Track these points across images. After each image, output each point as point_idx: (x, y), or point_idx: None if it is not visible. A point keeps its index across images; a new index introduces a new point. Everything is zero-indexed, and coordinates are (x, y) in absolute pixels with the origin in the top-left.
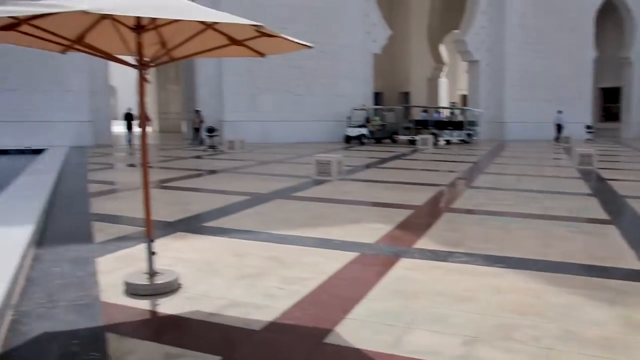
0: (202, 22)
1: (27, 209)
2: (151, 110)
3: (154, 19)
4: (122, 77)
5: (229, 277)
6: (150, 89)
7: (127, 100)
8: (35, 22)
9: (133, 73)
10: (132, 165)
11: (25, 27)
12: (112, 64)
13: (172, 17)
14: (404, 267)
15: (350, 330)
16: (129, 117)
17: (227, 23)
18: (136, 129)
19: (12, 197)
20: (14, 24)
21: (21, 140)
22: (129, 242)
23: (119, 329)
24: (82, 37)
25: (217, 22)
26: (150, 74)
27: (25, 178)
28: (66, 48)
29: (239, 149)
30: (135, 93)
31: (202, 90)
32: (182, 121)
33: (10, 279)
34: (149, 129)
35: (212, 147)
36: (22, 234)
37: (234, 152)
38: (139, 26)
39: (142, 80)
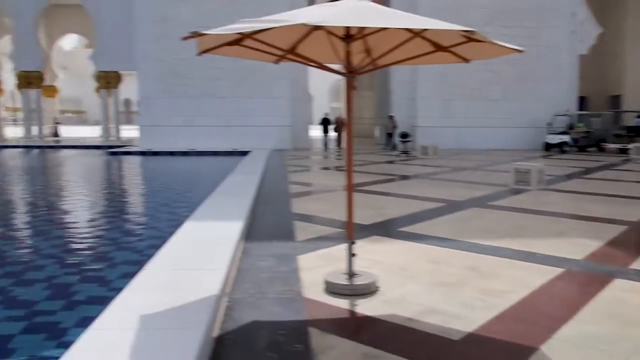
0: (410, 30)
1: (237, 206)
2: (345, 115)
3: (362, 28)
4: (318, 85)
5: (426, 283)
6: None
7: (322, 106)
8: (257, 36)
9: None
10: (326, 169)
11: (248, 42)
12: (311, 72)
13: (381, 26)
14: (619, 289)
15: (558, 352)
16: (325, 122)
17: (435, 30)
18: (331, 133)
19: (223, 195)
20: (239, 39)
21: (229, 143)
22: (328, 242)
23: (320, 324)
24: (294, 47)
25: (425, 30)
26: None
27: (234, 177)
28: (279, 58)
29: (432, 154)
30: (329, 100)
31: (395, 96)
32: (375, 126)
33: (226, 269)
34: (344, 134)
35: (405, 152)
36: (234, 228)
37: (427, 158)
38: (348, 35)
39: (350, 87)
